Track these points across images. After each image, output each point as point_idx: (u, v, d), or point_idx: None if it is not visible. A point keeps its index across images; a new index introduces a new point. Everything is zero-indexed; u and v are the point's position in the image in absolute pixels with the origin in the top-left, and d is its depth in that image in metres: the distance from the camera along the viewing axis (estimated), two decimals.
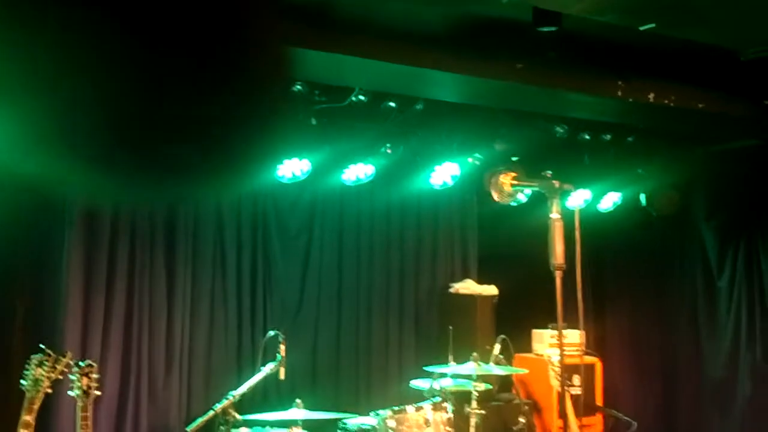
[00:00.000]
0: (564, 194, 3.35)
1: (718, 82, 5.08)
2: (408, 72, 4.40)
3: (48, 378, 3.71)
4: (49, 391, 3.72)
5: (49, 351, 3.76)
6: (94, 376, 3.81)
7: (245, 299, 5.52)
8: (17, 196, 4.45)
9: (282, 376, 4.28)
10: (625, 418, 5.69)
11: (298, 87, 4.81)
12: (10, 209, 4.51)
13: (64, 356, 3.79)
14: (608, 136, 5.87)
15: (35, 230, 4.79)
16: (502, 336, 5.25)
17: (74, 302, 4.76)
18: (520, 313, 6.13)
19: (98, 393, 3.81)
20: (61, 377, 3.76)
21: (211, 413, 4.08)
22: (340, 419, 4.60)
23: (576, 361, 5.35)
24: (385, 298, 6.12)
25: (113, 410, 4.85)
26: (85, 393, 3.77)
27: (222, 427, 4.09)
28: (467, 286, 6.22)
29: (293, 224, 5.83)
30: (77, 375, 3.78)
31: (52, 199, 4.81)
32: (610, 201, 6.58)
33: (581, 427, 5.03)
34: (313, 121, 5.05)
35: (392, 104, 5.07)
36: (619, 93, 4.85)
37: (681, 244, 6.87)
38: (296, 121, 4.98)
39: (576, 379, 5.76)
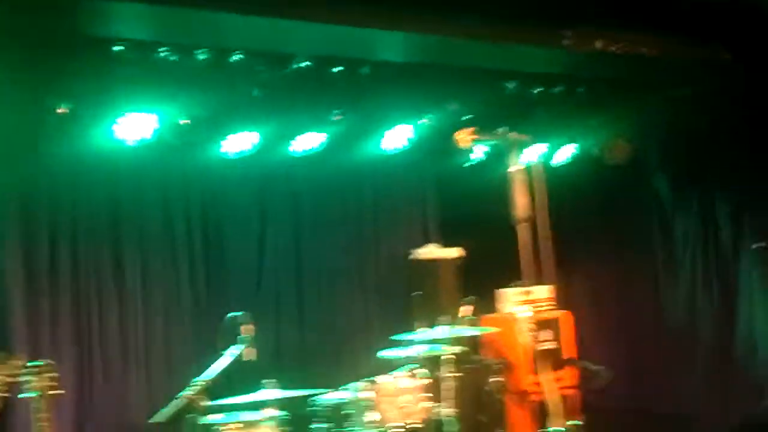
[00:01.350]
0: (521, 146, 3.30)
1: (665, 27, 5.07)
2: (352, 33, 4.26)
3: (3, 381, 3.50)
4: (7, 395, 3.51)
5: (1, 353, 3.55)
6: (53, 375, 3.61)
7: (200, 283, 5.36)
8: None
9: (253, 357, 4.15)
10: (596, 367, 5.73)
11: (238, 56, 4.61)
12: None
13: (19, 359, 3.58)
14: (559, 89, 5.83)
15: None
16: (471, 297, 5.21)
17: (18, 300, 4.53)
18: (484, 273, 6.10)
19: (60, 392, 3.61)
20: (17, 380, 3.55)
21: (176, 402, 3.93)
22: (313, 395, 4.50)
23: (547, 315, 5.34)
24: (347, 271, 6.02)
25: (71, 410, 4.67)
26: (43, 394, 3.56)
27: (190, 416, 3.94)
28: (429, 251, 6.16)
29: (244, 201, 5.66)
30: (34, 376, 3.57)
31: None
32: (565, 154, 6.58)
33: (554, 380, 5.05)
34: (256, 93, 4.87)
35: (338, 69, 4.92)
36: (566, 42, 4.83)
37: (636, 194, 6.89)
38: (238, 93, 4.80)
39: (547, 334, 5.77)
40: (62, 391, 3.62)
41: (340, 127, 5.43)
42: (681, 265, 6.63)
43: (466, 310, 5.12)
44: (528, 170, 3.22)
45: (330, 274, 5.94)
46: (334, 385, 4.55)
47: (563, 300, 6.63)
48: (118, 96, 4.57)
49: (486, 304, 5.85)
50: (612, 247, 7.05)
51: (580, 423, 5.23)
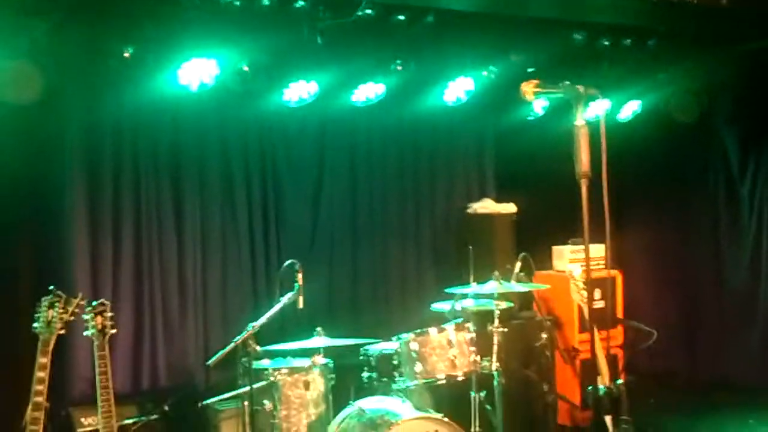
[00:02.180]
0: (588, 100, 3.06)
1: None
2: None
3: (60, 319, 3.56)
4: (63, 332, 3.57)
5: (59, 293, 3.60)
6: (108, 314, 3.66)
7: (257, 231, 5.30)
8: (12, 139, 4.19)
9: (301, 305, 4.08)
10: (646, 328, 5.54)
11: (301, 3, 4.42)
12: (5, 153, 4.27)
13: (75, 297, 3.63)
14: (628, 41, 5.45)
15: (34, 173, 4.56)
16: (524, 254, 5.04)
17: (81, 244, 4.58)
18: (539, 230, 5.92)
19: (114, 331, 3.65)
20: (73, 318, 3.62)
21: (231, 346, 3.91)
22: (362, 345, 4.44)
23: (599, 274, 5.13)
24: (402, 222, 5.89)
25: (129, 350, 4.73)
26: (101, 332, 3.62)
27: (243, 359, 3.93)
28: (485, 206, 5.98)
29: (303, 151, 5.54)
30: (91, 315, 3.63)
31: (49, 140, 4.56)
32: (630, 110, 6.25)
33: (603, 340, 4.87)
34: (319, 40, 4.67)
35: (401, 17, 4.68)
36: None
37: (703, 152, 6.55)
38: (300, 40, 4.63)
39: (598, 293, 5.57)
40: (115, 330, 3.63)
41: (401, 77, 5.21)
42: (746, 228, 6.30)
43: (518, 266, 4.95)
44: (592, 126, 2.99)
45: (385, 225, 5.82)
46: (386, 336, 4.47)
47: (620, 259, 6.40)
48: (182, 41, 4.46)
49: (540, 260, 5.66)
50: (674, 206, 6.75)
51: (626, 383, 5.08)
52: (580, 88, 3.02)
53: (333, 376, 4.27)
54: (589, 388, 3.84)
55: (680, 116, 6.30)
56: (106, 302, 3.67)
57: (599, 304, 5.50)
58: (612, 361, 5.59)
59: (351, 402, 4.20)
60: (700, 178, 6.58)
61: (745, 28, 5.48)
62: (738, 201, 6.35)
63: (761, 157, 6.19)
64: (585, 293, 4.75)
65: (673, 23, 5.29)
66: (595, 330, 4.67)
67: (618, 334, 5.90)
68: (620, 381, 4.93)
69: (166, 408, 4.43)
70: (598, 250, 5.41)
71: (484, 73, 5.44)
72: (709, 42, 5.64)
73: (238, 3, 4.27)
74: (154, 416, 4.39)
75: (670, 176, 6.73)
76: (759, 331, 6.18)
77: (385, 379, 4.33)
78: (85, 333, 3.62)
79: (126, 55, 4.30)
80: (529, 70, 5.31)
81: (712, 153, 6.48)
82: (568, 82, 3.11)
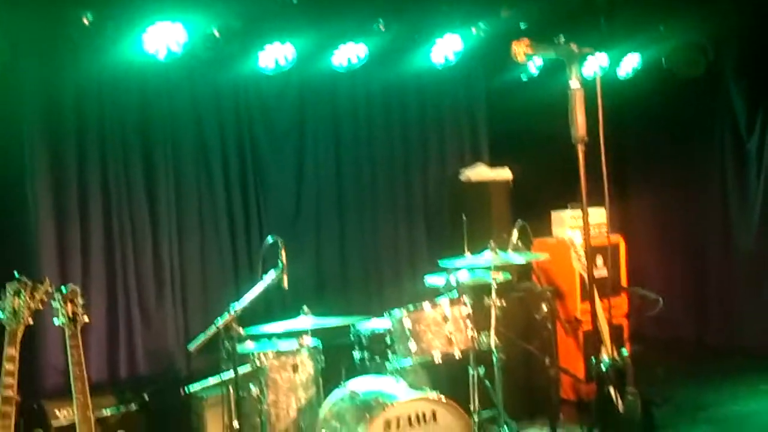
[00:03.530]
0: (583, 59, 3.01)
1: None
2: None
3: (28, 308, 3.47)
4: (30, 321, 3.49)
5: (24, 279, 3.51)
6: (79, 301, 3.57)
7: (236, 207, 5.22)
8: None
9: (285, 284, 4.03)
10: (652, 295, 5.53)
11: None
12: None
13: (42, 283, 3.54)
14: None
15: None
16: (520, 221, 4.99)
17: (46, 228, 4.47)
18: (537, 195, 5.87)
19: (86, 319, 3.58)
20: (41, 306, 3.53)
21: (213, 330, 3.86)
22: (351, 324, 4.40)
23: (601, 241, 5.10)
24: (391, 193, 5.83)
25: (103, 337, 4.65)
26: (72, 320, 3.54)
27: (226, 344, 3.88)
28: (479, 172, 5.91)
29: (282, 119, 5.45)
30: (60, 302, 3.55)
31: (6, 117, 4.44)
32: (630, 65, 6.18)
33: (606, 309, 4.86)
34: (294, 0, 4.57)
35: None
36: None
37: (708, 107, 6.49)
38: (275, 1, 4.52)
39: (600, 261, 5.55)
40: (87, 319, 3.56)
41: (384, 38, 5.12)
42: (754, 187, 6.27)
43: (515, 235, 4.90)
44: (588, 85, 2.94)
45: (373, 195, 5.75)
46: (378, 313, 4.43)
47: (623, 224, 6.38)
48: (145, 4, 4.34)
49: (538, 227, 5.62)
50: (679, 167, 6.71)
51: (632, 353, 5.08)
52: (574, 47, 2.98)
53: (322, 357, 4.22)
54: (593, 360, 3.85)
55: (683, 71, 6.23)
56: (76, 288, 3.60)
57: (602, 272, 5.49)
58: (617, 330, 5.59)
59: (342, 384, 4.17)
60: (705, 136, 6.53)
61: None
62: (746, 158, 6.30)
63: None
64: (584, 260, 4.71)
65: None
66: (597, 300, 4.67)
67: (622, 302, 5.88)
68: (625, 351, 4.96)
69: (146, 396, 4.39)
70: (599, 215, 5.43)
71: (473, 30, 5.37)
72: None
73: None
74: (134, 406, 4.35)
75: (673, 135, 6.69)
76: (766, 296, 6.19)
77: (377, 359, 4.27)
78: (55, 321, 3.55)
79: (85, 21, 4.20)
80: (522, 26, 5.24)
81: (718, 108, 6.43)
82: (562, 41, 3.07)
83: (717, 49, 6.18)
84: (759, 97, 6.19)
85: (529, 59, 3.17)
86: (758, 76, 6.16)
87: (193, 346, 3.94)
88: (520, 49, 3.03)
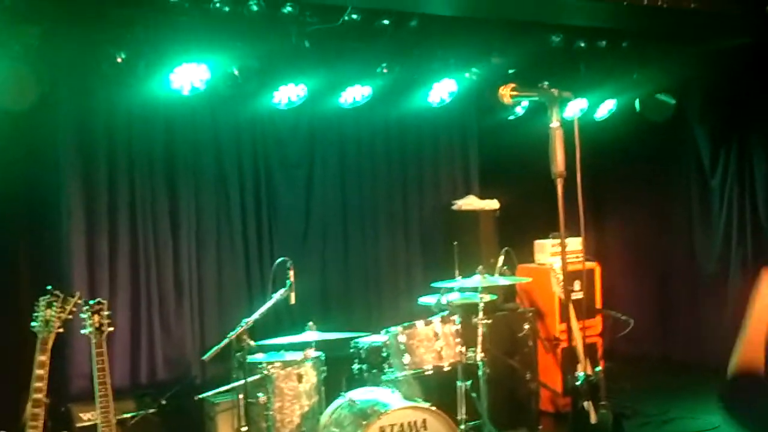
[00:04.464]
0: (563, 102, 3.03)
1: None
2: None
3: (58, 318, 3.45)
4: (61, 330, 3.46)
5: (57, 292, 3.49)
6: (105, 312, 3.54)
7: (251, 229, 5.20)
8: (6, 142, 4.09)
9: (292, 300, 4.00)
10: (623, 317, 5.51)
11: (289, 9, 4.32)
12: (1, 157, 4.16)
13: (73, 296, 3.52)
14: (603, 43, 5.40)
15: (30, 175, 4.45)
16: (506, 248, 4.98)
17: (77, 242, 4.46)
18: (522, 224, 5.86)
19: (111, 329, 3.55)
20: (71, 317, 3.50)
21: (225, 341, 3.83)
22: (352, 338, 4.37)
23: (577, 267, 5.08)
24: (391, 219, 5.80)
25: (127, 345, 4.62)
26: (98, 330, 3.51)
27: (237, 354, 3.84)
28: (470, 202, 5.90)
29: (294, 151, 5.45)
30: (88, 313, 3.52)
31: (44, 143, 4.45)
32: (606, 109, 6.20)
33: (582, 329, 4.84)
34: (307, 44, 4.58)
35: (386, 22, 4.59)
36: None
37: (675, 148, 6.52)
38: (289, 44, 4.53)
39: (577, 285, 5.53)
40: (112, 328, 3.53)
41: (387, 80, 5.13)
42: (716, 219, 6.29)
43: (501, 260, 4.90)
44: (568, 126, 2.94)
45: (374, 222, 5.72)
46: (376, 329, 4.40)
47: (599, 251, 6.36)
48: (173, 47, 4.36)
49: (523, 253, 5.60)
50: (650, 201, 6.73)
51: (605, 369, 5.05)
52: (555, 92, 2.99)
53: (325, 368, 4.18)
54: (570, 375, 3.83)
55: (653, 114, 6.27)
56: (103, 301, 3.56)
57: (578, 295, 5.47)
58: (591, 349, 5.55)
59: (342, 393, 4.12)
60: (673, 173, 6.56)
61: (712, 30, 5.45)
62: (709, 193, 6.33)
63: (730, 152, 6.17)
64: (563, 284, 4.69)
65: (644, 25, 5.25)
66: (574, 320, 4.65)
67: (597, 323, 5.85)
68: (599, 368, 4.92)
69: (163, 402, 4.34)
70: (577, 244, 5.41)
71: (467, 74, 5.39)
72: (679, 42, 5.62)
73: (227, 9, 4.18)
74: (152, 410, 4.30)
75: (645, 172, 6.71)
76: (730, 316, 6.17)
77: (375, 371, 4.25)
78: (82, 331, 3.52)
79: (119, 60, 4.20)
80: (510, 71, 5.26)
81: (685, 149, 6.46)
82: (546, 85, 3.07)
83: (683, 96, 6.23)
84: (720, 140, 6.23)
85: (515, 101, 3.17)
86: (719, 121, 6.21)
87: (207, 356, 3.90)
88: (506, 92, 3.05)
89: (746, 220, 6.07)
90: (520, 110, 5.93)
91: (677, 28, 5.31)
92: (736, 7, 5.01)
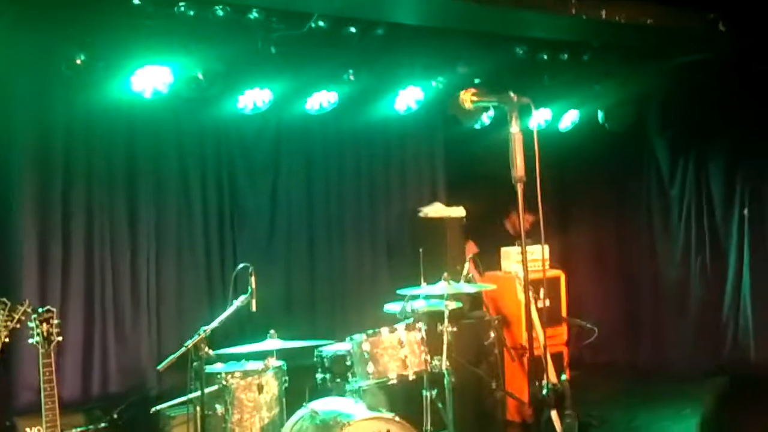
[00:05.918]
0: (523, 109, 2.92)
1: None
2: None
3: (5, 326, 3.18)
4: (7, 340, 3.19)
5: (3, 299, 3.23)
6: (55, 321, 3.28)
7: (213, 235, 4.96)
8: None
9: (254, 308, 3.78)
10: (588, 325, 5.40)
11: (255, 14, 4.15)
12: None
13: (22, 304, 3.26)
14: (565, 55, 5.35)
15: None
16: (471, 255, 4.83)
17: (28, 247, 4.17)
18: (488, 232, 5.73)
19: (60, 339, 3.28)
20: (18, 326, 3.24)
21: (182, 350, 3.58)
22: (315, 347, 4.15)
23: (542, 275, 4.95)
24: (357, 226, 5.62)
25: (79, 356, 4.31)
26: (46, 339, 3.24)
27: (195, 364, 3.60)
28: (436, 210, 5.75)
29: (259, 156, 5.23)
30: (36, 322, 3.25)
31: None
32: (570, 120, 6.15)
33: (547, 337, 4.71)
34: (272, 50, 4.40)
35: (353, 29, 4.44)
36: (573, 11, 4.55)
37: (636, 157, 6.51)
38: (254, 49, 4.35)
39: (542, 293, 5.38)
40: (61, 338, 3.26)
41: (354, 87, 4.96)
42: (676, 228, 6.28)
43: (466, 267, 4.74)
44: (527, 133, 2.83)
45: (340, 228, 5.52)
46: (341, 337, 4.19)
47: (564, 259, 6.27)
48: (135, 49, 4.13)
49: (488, 260, 5.46)
50: (612, 209, 6.70)
51: (571, 378, 4.92)
52: (513, 97, 2.88)
53: (286, 378, 3.93)
54: (536, 383, 3.68)
55: (615, 124, 6.24)
56: (53, 309, 3.30)
57: (543, 303, 5.32)
58: (557, 357, 5.42)
59: (305, 404, 3.90)
60: (635, 182, 6.55)
61: (670, 44, 5.45)
62: (669, 203, 6.34)
63: (688, 163, 6.20)
64: (528, 292, 4.55)
65: (604, 39, 5.23)
66: (539, 329, 4.51)
67: (563, 331, 5.72)
68: (565, 377, 4.78)
69: (115, 415, 4.05)
70: (539, 252, 5.29)
71: (433, 83, 5.28)
72: (639, 56, 5.60)
73: (192, 12, 4.00)
74: (102, 424, 4.01)
75: (608, 181, 6.69)
76: (691, 322, 6.13)
77: (338, 380, 4.02)
78: (30, 341, 3.26)
79: (78, 61, 3.97)
80: (476, 81, 5.17)
81: (645, 159, 6.47)
82: (508, 92, 2.97)
83: (644, 105, 6.22)
84: (679, 148, 6.24)
85: (476, 105, 3.07)
86: (679, 130, 6.22)
87: (162, 366, 3.65)
88: (467, 96, 2.94)
89: (704, 228, 6.08)
90: (486, 119, 5.83)
91: (636, 42, 5.33)
92: (692, 24, 5.01)
